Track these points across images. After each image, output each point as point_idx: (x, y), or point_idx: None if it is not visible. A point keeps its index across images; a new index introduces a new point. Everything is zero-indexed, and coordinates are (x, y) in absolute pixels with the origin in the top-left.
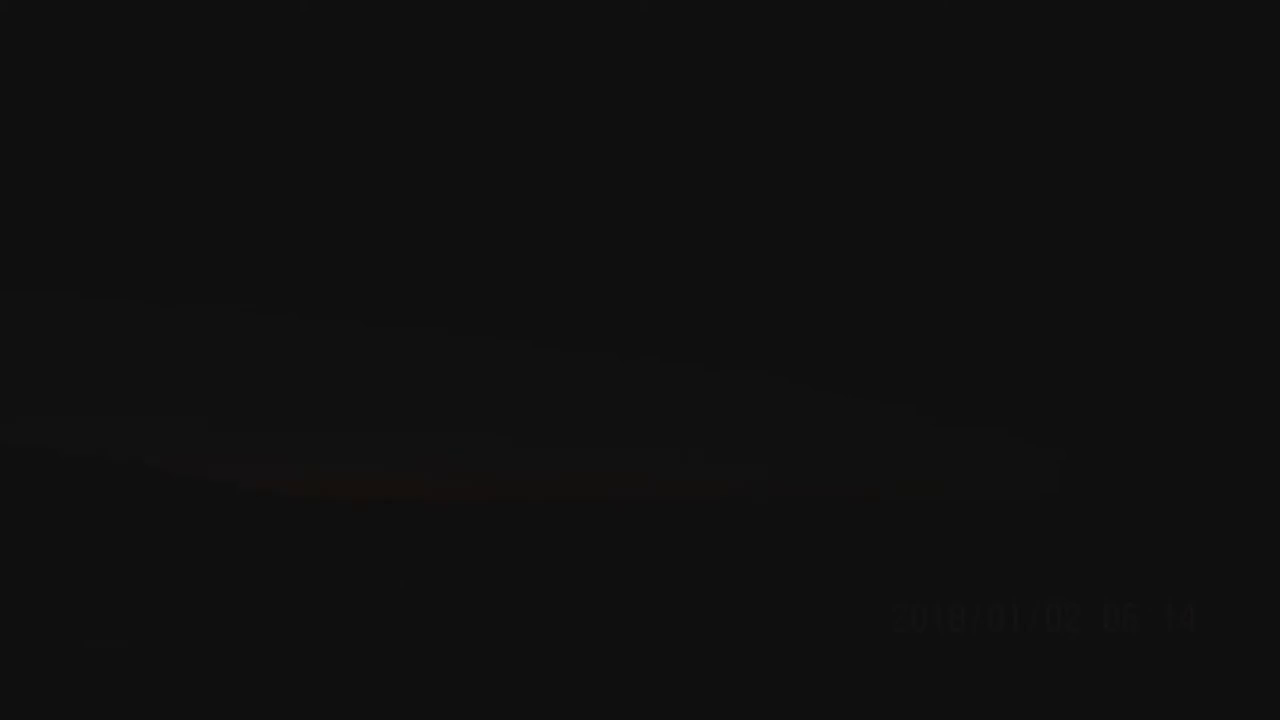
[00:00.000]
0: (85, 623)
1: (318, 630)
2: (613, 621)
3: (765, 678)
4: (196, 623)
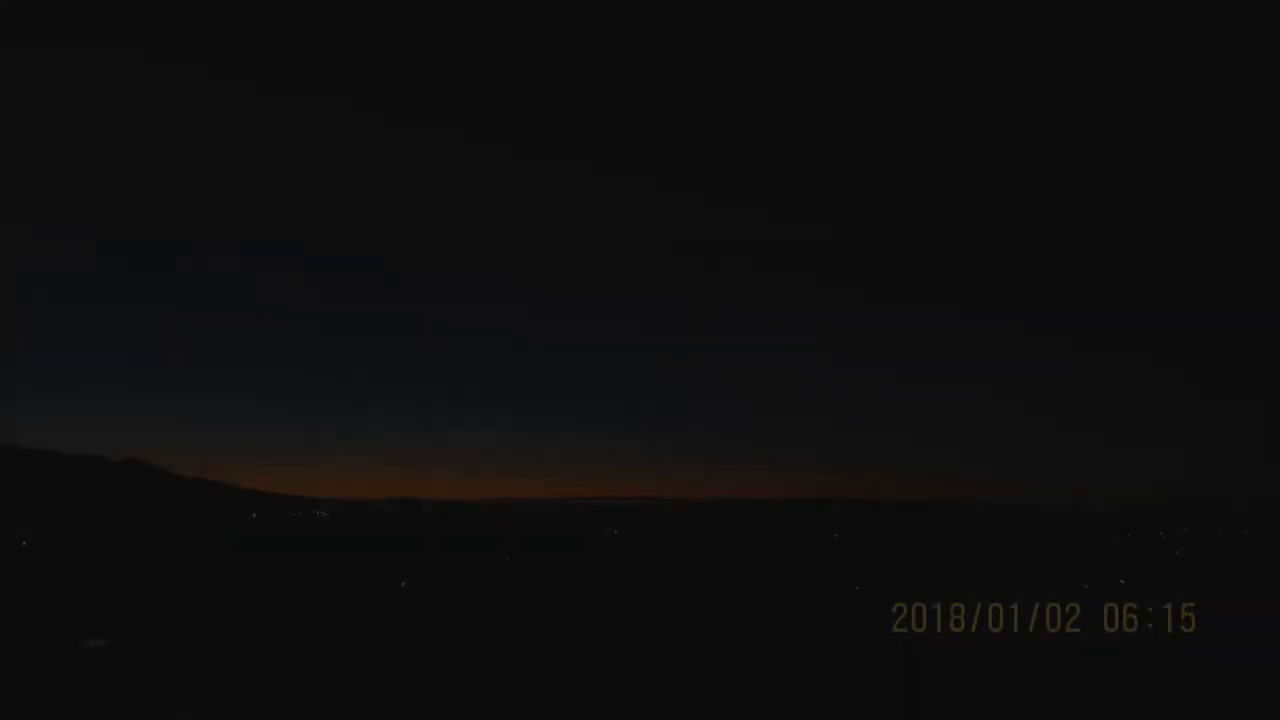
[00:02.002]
0: (82, 620)
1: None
2: (601, 620)
3: (765, 676)
4: (195, 620)
